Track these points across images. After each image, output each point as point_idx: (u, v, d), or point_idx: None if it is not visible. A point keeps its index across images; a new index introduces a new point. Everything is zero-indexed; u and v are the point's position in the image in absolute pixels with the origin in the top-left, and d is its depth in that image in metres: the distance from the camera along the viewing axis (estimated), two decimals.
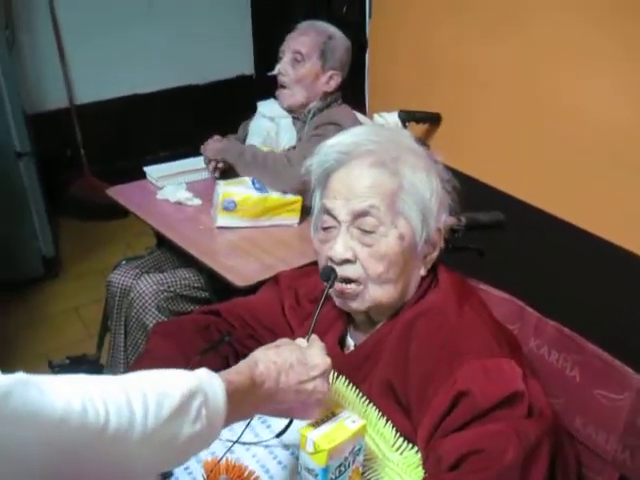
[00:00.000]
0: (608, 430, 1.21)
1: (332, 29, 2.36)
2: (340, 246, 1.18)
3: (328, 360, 1.04)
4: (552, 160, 2.10)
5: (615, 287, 1.91)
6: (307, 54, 2.29)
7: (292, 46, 2.32)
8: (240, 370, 0.94)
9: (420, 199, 1.18)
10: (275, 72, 2.35)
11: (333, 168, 1.21)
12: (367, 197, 1.16)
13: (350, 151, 1.19)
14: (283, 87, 2.35)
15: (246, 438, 1.17)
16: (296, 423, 1.11)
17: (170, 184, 2.43)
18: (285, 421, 1.15)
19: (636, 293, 1.88)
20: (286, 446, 1.19)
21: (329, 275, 1.19)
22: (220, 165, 2.37)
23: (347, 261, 1.18)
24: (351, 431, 1.02)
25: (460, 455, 1.00)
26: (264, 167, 2.21)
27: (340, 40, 2.35)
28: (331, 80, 2.33)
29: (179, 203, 2.34)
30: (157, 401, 0.76)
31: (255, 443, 1.20)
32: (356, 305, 1.22)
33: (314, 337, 1.09)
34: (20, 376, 0.65)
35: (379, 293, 1.19)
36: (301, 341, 1.09)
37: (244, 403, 0.92)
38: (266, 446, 1.20)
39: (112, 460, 0.74)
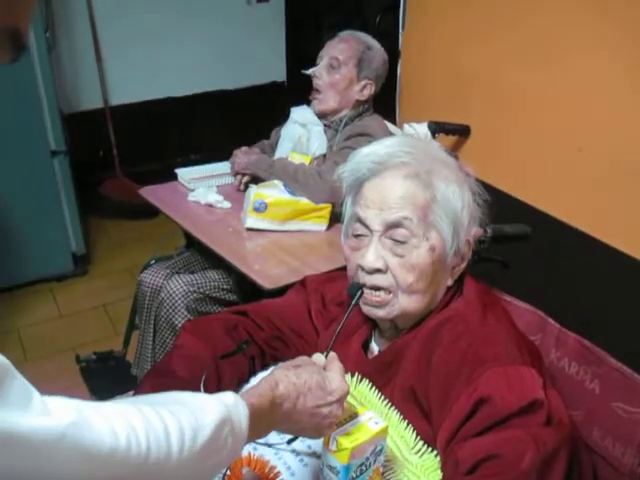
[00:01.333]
0: (625, 443, 1.21)
1: (372, 41, 2.39)
2: (372, 255, 1.19)
3: (346, 387, 1.04)
4: (579, 175, 2.10)
5: (638, 302, 1.91)
6: (344, 61, 2.32)
7: (330, 52, 2.36)
8: (262, 392, 0.95)
9: (452, 211, 1.19)
10: (309, 72, 2.38)
11: (366, 177, 1.22)
12: (400, 208, 1.17)
13: (384, 161, 1.20)
14: (317, 91, 2.38)
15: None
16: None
17: (201, 186, 2.47)
18: None
19: None
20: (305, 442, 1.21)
21: (356, 292, 1.21)
22: (245, 179, 2.43)
23: (378, 270, 1.19)
24: (373, 432, 1.04)
25: (477, 460, 1.01)
26: (294, 180, 2.23)
27: (378, 52, 2.38)
28: (365, 89, 2.36)
29: (209, 205, 2.37)
30: (193, 433, 0.80)
31: (268, 445, 1.20)
32: (383, 313, 1.23)
33: (332, 357, 1.08)
34: (73, 417, 0.69)
35: (407, 302, 1.20)
36: (319, 356, 1.08)
37: (263, 424, 0.94)
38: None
39: None
